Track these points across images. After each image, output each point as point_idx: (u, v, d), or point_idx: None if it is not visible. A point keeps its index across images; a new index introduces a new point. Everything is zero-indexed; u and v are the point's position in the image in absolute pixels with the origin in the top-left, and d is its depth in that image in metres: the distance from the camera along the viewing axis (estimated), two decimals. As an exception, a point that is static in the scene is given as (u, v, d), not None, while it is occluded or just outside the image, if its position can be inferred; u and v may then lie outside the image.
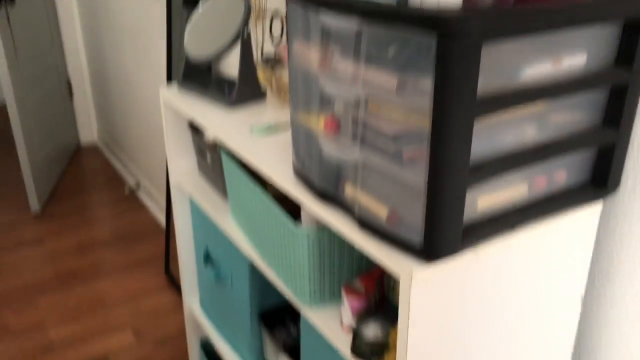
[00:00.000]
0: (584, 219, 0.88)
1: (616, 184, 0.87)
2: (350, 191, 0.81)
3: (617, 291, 0.96)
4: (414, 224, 0.72)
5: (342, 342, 0.94)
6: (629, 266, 0.93)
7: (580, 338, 1.04)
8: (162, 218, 3.12)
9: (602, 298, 0.98)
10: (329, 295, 1.01)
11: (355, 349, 0.91)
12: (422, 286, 0.74)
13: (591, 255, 0.93)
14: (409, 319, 0.75)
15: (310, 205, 0.88)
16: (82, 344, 2.29)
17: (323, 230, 0.95)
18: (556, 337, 0.96)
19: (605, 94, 0.81)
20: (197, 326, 1.71)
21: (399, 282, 0.92)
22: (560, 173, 0.83)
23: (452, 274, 0.76)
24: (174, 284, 2.62)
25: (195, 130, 1.45)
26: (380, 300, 0.98)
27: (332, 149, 0.81)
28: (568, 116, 0.79)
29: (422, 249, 0.73)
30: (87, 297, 2.57)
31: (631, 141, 0.87)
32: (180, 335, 2.35)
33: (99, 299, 2.56)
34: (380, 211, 0.76)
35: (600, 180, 0.86)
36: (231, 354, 1.49)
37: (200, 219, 1.50)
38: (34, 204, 3.23)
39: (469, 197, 0.74)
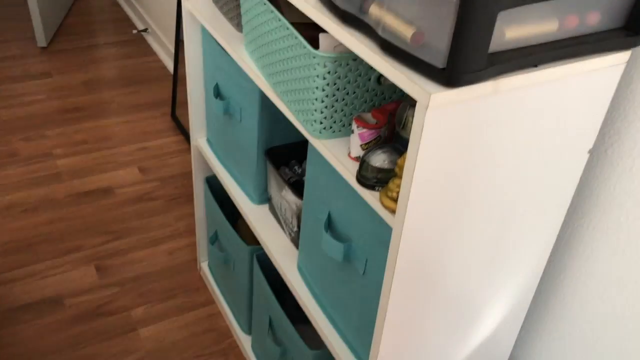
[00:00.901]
0: (608, 67, 0.86)
1: (648, 33, 0.84)
2: (375, 11, 0.78)
3: (625, 148, 0.96)
4: (438, 46, 0.71)
5: (348, 171, 0.96)
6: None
7: (580, 191, 1.06)
8: (170, 64, 3.08)
9: (608, 153, 0.99)
10: (339, 128, 1.02)
11: (360, 177, 0.93)
12: (439, 111, 0.74)
13: (607, 107, 0.92)
14: (419, 144, 0.76)
15: (332, 27, 0.86)
16: (88, 175, 2.36)
17: (340, 58, 0.93)
18: (557, 189, 0.98)
19: None
20: (203, 163, 1.75)
21: (411, 117, 0.92)
22: (593, 14, 0.80)
23: (470, 102, 0.76)
24: (180, 128, 2.65)
25: (213, -44, 1.38)
26: (390, 135, 0.99)
27: (362, -37, 0.77)
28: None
29: (444, 73, 0.72)
30: (93, 133, 2.60)
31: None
32: (184, 175, 2.41)
33: (105, 135, 2.59)
34: (405, 31, 0.74)
35: (634, 28, 0.83)
36: (236, 189, 1.54)
37: (212, 53, 1.48)
38: (41, 38, 3.17)
39: (499, 23, 0.71)
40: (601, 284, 1.07)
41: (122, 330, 1.78)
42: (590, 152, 0.97)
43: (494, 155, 0.85)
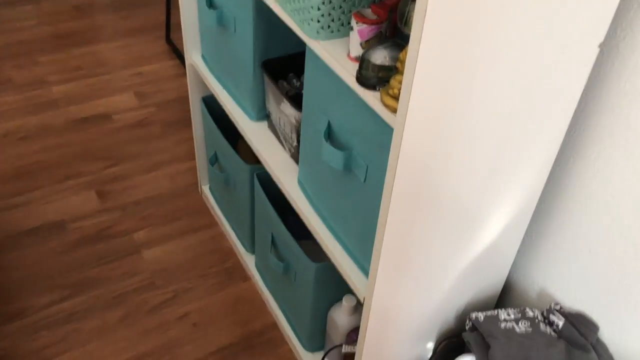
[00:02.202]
0: (623, -50, 0.80)
1: None
2: None
3: (638, 41, 0.92)
4: None
5: (348, 73, 0.92)
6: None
7: (588, 90, 1.02)
8: (162, -14, 2.97)
9: (620, 48, 0.95)
10: (337, 27, 0.97)
11: (360, 76, 0.89)
12: (441, -6, 0.69)
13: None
14: (422, 33, 0.72)
15: None
16: (84, 101, 2.32)
17: (337, -51, 0.88)
18: (565, 86, 0.94)
19: None
20: (199, 82, 1.70)
21: (414, 11, 0.87)
22: None
23: (475, -15, 0.71)
24: (175, 52, 2.58)
25: None
26: (392, 33, 0.94)
27: None
28: None
29: (447, -51, 0.67)
30: (88, 58, 2.54)
31: None
32: (181, 99, 2.37)
33: (99, 61, 2.53)
34: None
35: None
36: (233, 107, 1.50)
37: (204, -39, 1.40)
38: (27, -38, 3.04)
39: None
40: (606, 188, 1.05)
41: (126, 252, 1.79)
42: (601, 46, 0.92)
43: (498, 47, 0.80)
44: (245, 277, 1.75)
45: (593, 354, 1.08)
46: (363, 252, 1.12)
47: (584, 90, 1.03)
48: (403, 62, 0.81)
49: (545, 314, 1.17)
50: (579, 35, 0.87)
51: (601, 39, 0.91)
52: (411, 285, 1.10)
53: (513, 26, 0.79)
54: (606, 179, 1.04)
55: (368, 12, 0.91)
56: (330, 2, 0.93)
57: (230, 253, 1.82)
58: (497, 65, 0.83)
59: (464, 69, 0.80)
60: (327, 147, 1.06)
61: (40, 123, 2.21)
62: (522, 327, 1.13)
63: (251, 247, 1.74)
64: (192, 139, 2.19)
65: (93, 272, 1.73)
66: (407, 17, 0.89)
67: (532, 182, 1.08)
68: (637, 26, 0.91)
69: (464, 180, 0.97)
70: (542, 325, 1.14)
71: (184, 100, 2.35)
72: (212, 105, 1.71)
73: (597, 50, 0.92)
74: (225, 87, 1.54)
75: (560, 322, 1.12)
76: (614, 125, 0.99)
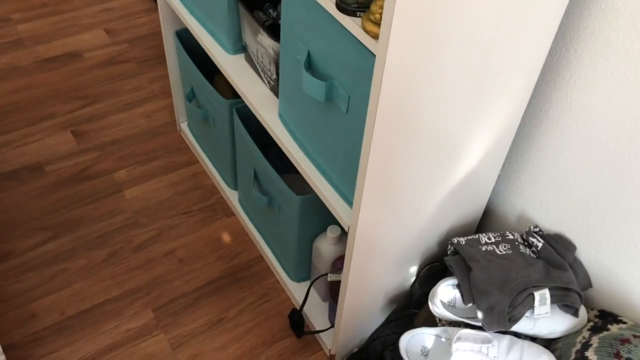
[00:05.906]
0: None
1: None
2: None
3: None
4: None
5: (327, -1, 0.90)
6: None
7: (569, 12, 1.02)
8: None
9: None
10: (314, -48, 0.94)
11: (340, 2, 0.87)
12: None
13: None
14: (403, -46, 0.70)
15: None
16: (52, 40, 2.24)
17: None
18: (545, 8, 0.93)
19: None
20: (173, 16, 1.65)
21: None
22: None
23: None
24: (145, -15, 2.48)
25: None
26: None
27: None
28: None
29: None
30: (52, -5, 2.43)
31: None
32: (153, 35, 2.30)
33: (65, -3, 2.43)
34: None
35: None
36: (209, 40, 1.46)
37: None
38: None
39: None
40: (585, 109, 1.06)
41: (107, 192, 1.78)
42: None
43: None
44: (230, 213, 1.76)
45: (570, 272, 1.13)
46: (346, 182, 1.13)
47: (565, 13, 1.02)
48: (384, -14, 0.79)
49: (524, 236, 1.20)
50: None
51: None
52: (394, 213, 1.12)
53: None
54: (585, 100, 1.05)
55: None
56: None
57: (213, 190, 1.82)
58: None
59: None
60: (307, 78, 1.04)
61: (6, 64, 2.13)
62: (502, 249, 1.17)
63: (234, 184, 1.74)
64: (167, 75, 2.14)
65: (75, 212, 1.72)
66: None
67: (511, 107, 1.08)
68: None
69: (445, 107, 0.97)
70: (521, 247, 1.18)
71: (157, 36, 2.28)
72: (186, 39, 1.67)
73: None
74: (199, 20, 1.49)
75: (539, 243, 1.16)
76: (595, 47, 0.99)
